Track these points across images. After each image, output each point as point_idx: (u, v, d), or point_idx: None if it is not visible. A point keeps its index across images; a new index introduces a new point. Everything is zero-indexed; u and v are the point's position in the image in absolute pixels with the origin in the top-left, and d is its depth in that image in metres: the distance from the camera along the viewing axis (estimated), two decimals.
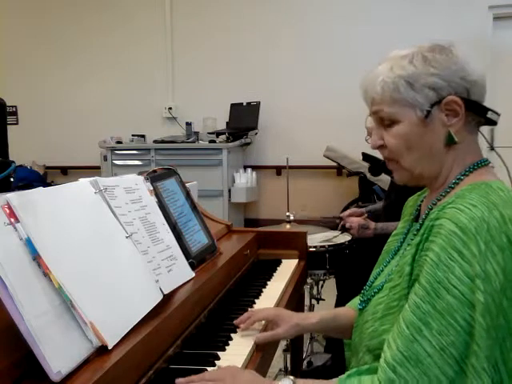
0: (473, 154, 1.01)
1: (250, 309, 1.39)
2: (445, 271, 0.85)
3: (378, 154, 1.12)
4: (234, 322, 1.27)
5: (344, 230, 2.50)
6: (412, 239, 1.02)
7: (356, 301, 1.29)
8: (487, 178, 0.97)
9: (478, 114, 0.98)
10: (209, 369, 1.05)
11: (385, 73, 0.98)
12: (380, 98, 0.99)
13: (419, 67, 0.96)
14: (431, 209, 1.00)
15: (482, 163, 1.01)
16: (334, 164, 4.91)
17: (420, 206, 1.12)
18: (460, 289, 0.84)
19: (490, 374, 0.82)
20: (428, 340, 0.85)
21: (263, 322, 1.27)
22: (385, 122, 1.01)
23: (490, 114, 0.98)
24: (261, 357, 1.17)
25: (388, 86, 0.97)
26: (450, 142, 0.98)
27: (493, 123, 1.00)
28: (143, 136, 5.55)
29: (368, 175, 4.45)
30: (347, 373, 0.98)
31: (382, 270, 1.14)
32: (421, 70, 0.96)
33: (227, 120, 5.40)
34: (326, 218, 2.88)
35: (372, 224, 2.36)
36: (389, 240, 1.21)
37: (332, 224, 2.79)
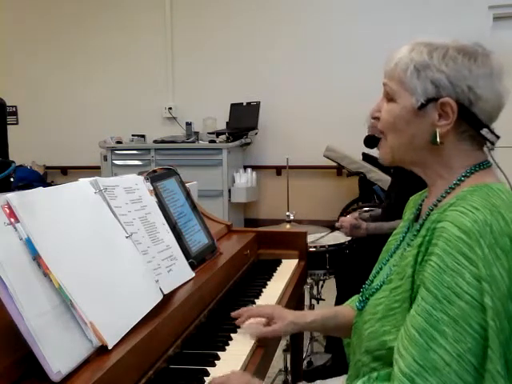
0: (462, 161, 0.99)
1: None
2: (453, 276, 0.84)
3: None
4: (232, 314, 1.28)
5: (334, 229, 2.51)
6: (412, 239, 1.01)
7: (356, 299, 1.29)
8: (488, 180, 0.97)
9: (472, 126, 0.96)
10: (209, 369, 1.05)
11: (405, 53, 1.00)
12: (391, 74, 1.02)
13: (434, 59, 0.96)
14: (432, 210, 1.00)
15: (484, 165, 1.00)
16: (334, 164, 4.90)
17: (421, 205, 1.12)
18: (470, 293, 0.83)
19: (505, 376, 0.81)
20: (444, 348, 0.83)
21: (263, 319, 1.27)
22: (388, 96, 1.03)
23: (484, 132, 0.96)
24: (261, 357, 1.17)
25: (401, 65, 0.99)
26: (433, 141, 0.98)
27: (490, 143, 0.98)
28: (143, 136, 5.54)
29: (368, 175, 4.45)
30: None
31: (380, 269, 1.14)
32: (433, 63, 0.96)
33: (227, 120, 5.39)
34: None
35: (364, 224, 2.37)
36: (389, 239, 1.21)
37: (331, 224, 2.80)
